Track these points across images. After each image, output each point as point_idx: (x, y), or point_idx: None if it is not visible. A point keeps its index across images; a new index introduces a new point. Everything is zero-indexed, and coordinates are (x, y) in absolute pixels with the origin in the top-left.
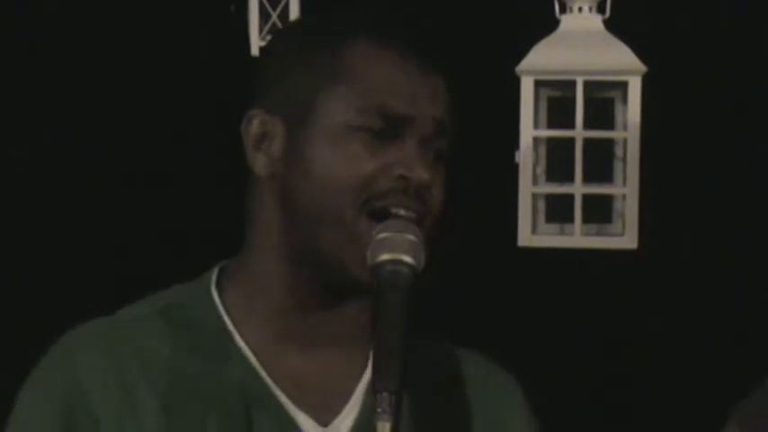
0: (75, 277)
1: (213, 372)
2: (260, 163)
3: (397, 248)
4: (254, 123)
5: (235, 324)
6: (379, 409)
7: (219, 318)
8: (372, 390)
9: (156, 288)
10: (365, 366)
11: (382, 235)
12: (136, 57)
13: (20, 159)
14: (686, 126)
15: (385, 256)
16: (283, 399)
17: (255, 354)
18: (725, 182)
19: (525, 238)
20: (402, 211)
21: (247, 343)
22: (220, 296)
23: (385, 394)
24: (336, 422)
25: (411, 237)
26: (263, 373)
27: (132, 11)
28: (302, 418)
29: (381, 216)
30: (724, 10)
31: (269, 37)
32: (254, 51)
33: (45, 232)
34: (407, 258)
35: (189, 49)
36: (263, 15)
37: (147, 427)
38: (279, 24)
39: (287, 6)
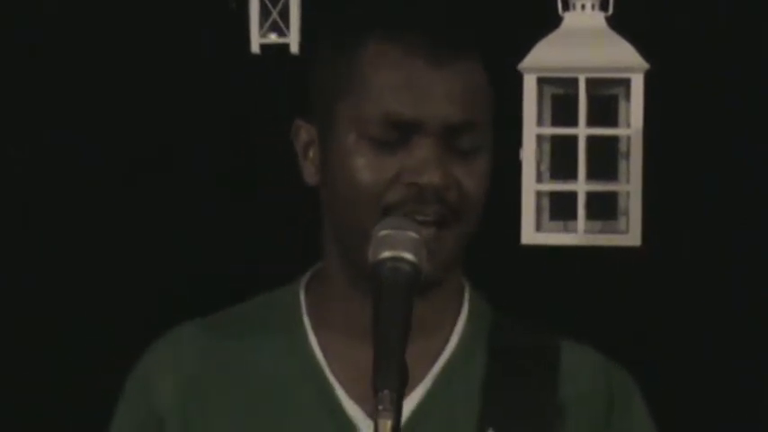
0: (75, 277)
1: (282, 368)
2: (307, 171)
3: (397, 245)
4: (300, 132)
5: (312, 325)
6: (380, 407)
7: (300, 316)
8: (373, 387)
9: (153, 288)
10: (427, 365)
11: (383, 232)
12: (136, 57)
13: (20, 159)
14: (687, 124)
15: (386, 254)
16: (339, 391)
17: (322, 350)
18: (725, 182)
19: (528, 235)
20: (420, 218)
21: (319, 342)
22: (306, 298)
23: (386, 392)
24: None
25: (412, 234)
26: (324, 366)
27: (132, 11)
28: (354, 410)
29: None
30: (726, 8)
31: (269, 34)
32: (255, 49)
33: (45, 232)
34: (408, 255)
35: (189, 49)
36: (264, 12)
37: (215, 419)
38: (279, 22)
39: (287, 3)
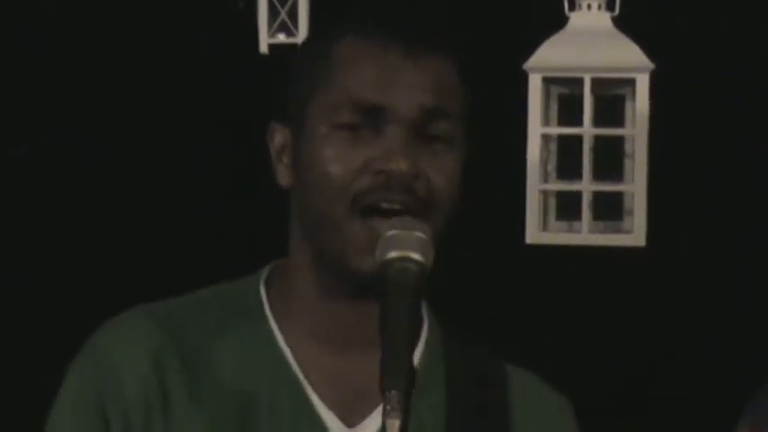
0: (75, 277)
1: (248, 365)
2: (280, 174)
3: (405, 246)
4: (275, 136)
5: (276, 322)
6: (387, 407)
7: (264, 315)
8: (380, 388)
9: (153, 288)
10: None
11: (390, 232)
12: (136, 57)
13: (20, 159)
14: (693, 124)
15: (393, 254)
16: (314, 397)
17: (292, 352)
18: (726, 182)
19: (533, 235)
20: (385, 205)
21: (286, 341)
22: (267, 294)
23: (393, 392)
24: (364, 424)
25: (419, 234)
26: (297, 371)
27: (132, 11)
28: (330, 418)
29: (371, 213)
30: (731, 9)
31: (278, 34)
32: (263, 49)
33: (45, 232)
34: (415, 255)
35: (189, 49)
36: (272, 13)
37: (176, 416)
38: (288, 22)
39: (296, 3)
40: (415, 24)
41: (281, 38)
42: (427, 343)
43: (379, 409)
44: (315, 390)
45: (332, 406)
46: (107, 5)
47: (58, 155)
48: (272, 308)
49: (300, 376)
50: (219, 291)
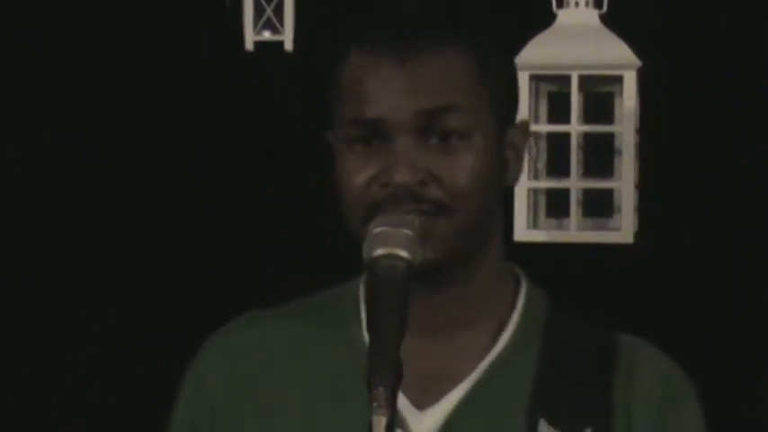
0: (75, 277)
1: (336, 360)
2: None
3: (392, 243)
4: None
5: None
6: (374, 404)
7: (358, 310)
8: (367, 385)
9: (154, 288)
10: (475, 359)
11: (378, 230)
12: (136, 56)
13: (20, 159)
14: (685, 123)
15: (380, 251)
16: None
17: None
18: (725, 181)
19: (521, 232)
20: None
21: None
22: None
23: (381, 389)
24: (435, 407)
25: (407, 231)
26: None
27: (132, 11)
28: (401, 401)
29: None
30: (721, 5)
31: (263, 32)
32: (249, 46)
33: (45, 232)
34: (403, 253)
35: (189, 49)
36: (258, 10)
37: (263, 407)
38: (273, 19)
39: (281, 1)
40: (407, 24)
41: (267, 35)
42: (524, 308)
43: (452, 393)
44: None
45: (403, 389)
46: (106, 5)
47: (58, 155)
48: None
49: None
50: (325, 294)
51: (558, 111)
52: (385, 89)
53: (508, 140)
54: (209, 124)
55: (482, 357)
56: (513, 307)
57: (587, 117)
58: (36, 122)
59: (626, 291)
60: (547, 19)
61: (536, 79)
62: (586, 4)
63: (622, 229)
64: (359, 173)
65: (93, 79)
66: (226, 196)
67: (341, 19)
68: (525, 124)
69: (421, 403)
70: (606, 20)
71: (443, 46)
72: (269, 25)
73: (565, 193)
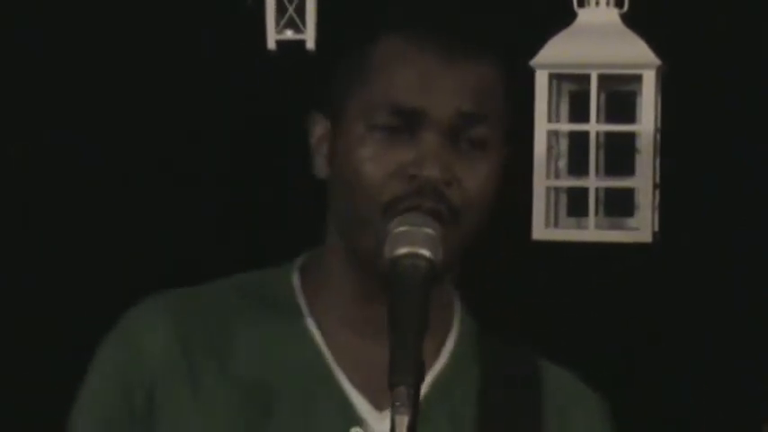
0: (76, 277)
1: (279, 347)
2: (318, 165)
3: (414, 242)
4: (316, 126)
5: (308, 307)
6: (396, 403)
7: (294, 299)
8: (389, 384)
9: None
10: (432, 358)
11: (400, 228)
12: (136, 56)
13: (20, 159)
14: (705, 122)
15: (402, 250)
16: (344, 382)
17: (323, 336)
18: (746, 180)
19: (539, 231)
20: None
21: (317, 325)
22: (301, 281)
23: (402, 388)
24: (388, 413)
25: (429, 230)
26: (327, 355)
27: (132, 10)
28: (359, 401)
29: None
30: (743, 6)
31: (285, 31)
32: (271, 45)
33: (45, 232)
34: (425, 252)
35: (189, 49)
36: (280, 9)
37: (203, 398)
38: (295, 18)
39: (303, 0)
40: (454, 26)
41: (289, 34)
42: (459, 334)
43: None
44: (344, 373)
45: (361, 390)
46: (107, 6)
47: (58, 155)
48: (305, 294)
49: (329, 359)
50: (247, 278)
51: (578, 109)
52: (429, 82)
53: (505, 159)
54: (210, 124)
55: (433, 360)
56: (449, 327)
57: (607, 116)
58: (36, 122)
59: (644, 289)
60: (567, 18)
61: (556, 78)
62: (607, 4)
63: (641, 229)
64: (380, 161)
65: (93, 79)
66: (245, 195)
67: (371, 4)
68: (515, 151)
69: (380, 404)
70: (627, 19)
71: (484, 57)
72: (291, 24)
73: (584, 192)
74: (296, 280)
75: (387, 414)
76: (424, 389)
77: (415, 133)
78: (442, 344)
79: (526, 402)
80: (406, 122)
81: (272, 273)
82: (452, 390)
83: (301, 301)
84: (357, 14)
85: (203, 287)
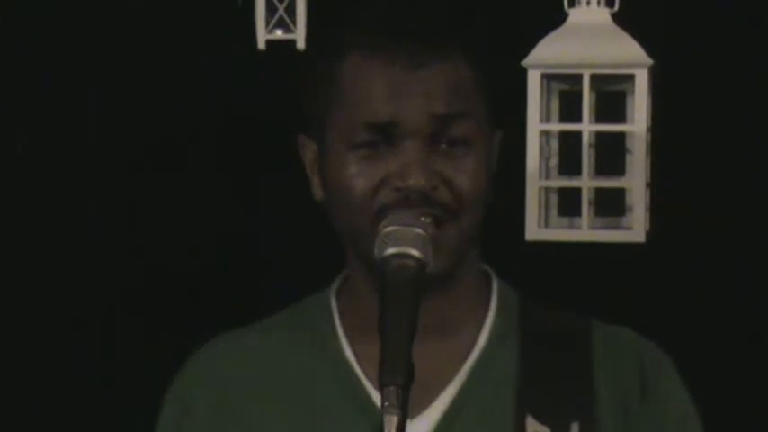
0: (76, 277)
1: (318, 376)
2: (314, 188)
3: (403, 242)
4: (305, 151)
5: (345, 330)
6: (386, 403)
7: (333, 326)
8: (379, 384)
9: (153, 288)
10: (459, 361)
11: (388, 229)
12: (136, 57)
13: (20, 159)
14: (697, 122)
15: (391, 250)
16: (370, 388)
17: (357, 357)
18: (738, 181)
19: (533, 232)
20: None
21: (352, 348)
22: (338, 304)
23: (392, 388)
24: (423, 415)
25: (418, 230)
26: (360, 374)
27: (119, 13)
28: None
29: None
30: (735, 4)
31: (276, 31)
32: (261, 46)
33: (45, 232)
34: (414, 252)
35: (190, 49)
36: (270, 8)
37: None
38: (285, 18)
39: (293, 0)
40: (416, 31)
41: (279, 34)
42: (498, 309)
43: (440, 399)
44: (372, 382)
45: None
46: (107, 6)
47: (58, 155)
48: (341, 316)
49: (362, 377)
50: (296, 309)
51: (570, 109)
52: (398, 93)
53: (494, 147)
54: (221, 123)
55: (465, 359)
56: (487, 307)
57: (599, 116)
58: (36, 122)
59: (637, 290)
60: (558, 18)
61: (548, 78)
62: (598, 3)
63: (634, 229)
64: (365, 177)
65: (93, 79)
66: (233, 196)
67: (340, 18)
68: (500, 134)
69: (410, 411)
70: (618, 18)
71: (451, 55)
72: (281, 24)
73: (576, 192)
74: (333, 301)
75: (416, 421)
76: (468, 364)
77: (395, 144)
78: (482, 321)
79: (572, 358)
80: (384, 136)
81: (316, 299)
82: (495, 362)
83: (338, 322)
84: (326, 35)
85: (256, 326)
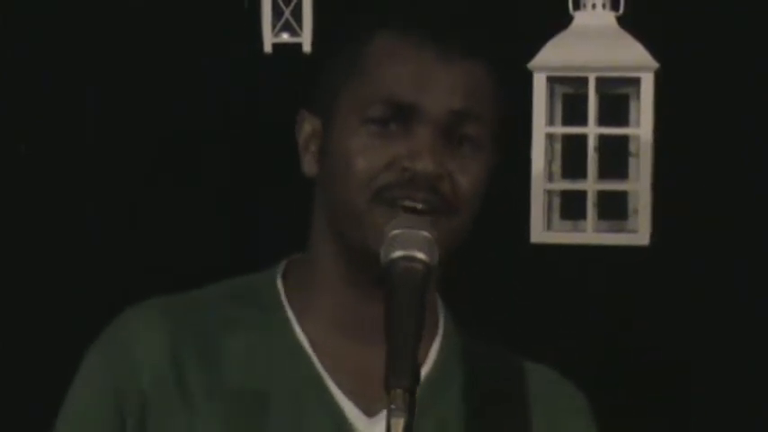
0: (76, 277)
1: (264, 356)
2: (306, 163)
3: (409, 245)
4: (303, 125)
5: (294, 313)
6: (392, 406)
7: (281, 306)
8: (385, 387)
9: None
10: (421, 360)
11: (395, 232)
12: (137, 57)
13: (20, 159)
14: (702, 125)
15: (397, 253)
16: (333, 388)
17: (310, 342)
18: (743, 183)
19: (537, 234)
20: (408, 203)
21: (305, 332)
22: (284, 286)
23: (399, 391)
24: (383, 414)
25: (424, 233)
26: (316, 361)
27: (125, 14)
28: (349, 407)
29: (393, 205)
30: (740, 8)
31: (282, 34)
32: (267, 48)
33: (45, 232)
34: (420, 255)
35: (190, 49)
36: (276, 12)
37: (194, 411)
38: (291, 21)
39: (300, 3)
40: (449, 25)
41: (285, 37)
42: (444, 337)
43: None
44: (333, 379)
45: (351, 395)
46: (112, 4)
47: (58, 155)
48: (289, 299)
49: (318, 365)
50: (234, 284)
51: (575, 112)
52: (425, 79)
53: (492, 166)
54: (228, 126)
55: (422, 362)
56: (437, 320)
57: (604, 119)
58: (36, 122)
59: (641, 293)
60: (564, 21)
61: (553, 81)
62: (603, 6)
63: (638, 232)
64: (372, 154)
65: (93, 79)
66: (242, 198)
67: (366, 4)
68: (500, 162)
69: (370, 410)
70: (623, 22)
71: (478, 59)
72: (287, 27)
73: (581, 195)
74: (280, 284)
75: (376, 420)
76: (426, 369)
77: (409, 128)
78: (429, 346)
79: (513, 396)
80: (400, 117)
81: (257, 278)
82: (440, 392)
83: (287, 306)
84: (353, 13)
85: (192, 294)
